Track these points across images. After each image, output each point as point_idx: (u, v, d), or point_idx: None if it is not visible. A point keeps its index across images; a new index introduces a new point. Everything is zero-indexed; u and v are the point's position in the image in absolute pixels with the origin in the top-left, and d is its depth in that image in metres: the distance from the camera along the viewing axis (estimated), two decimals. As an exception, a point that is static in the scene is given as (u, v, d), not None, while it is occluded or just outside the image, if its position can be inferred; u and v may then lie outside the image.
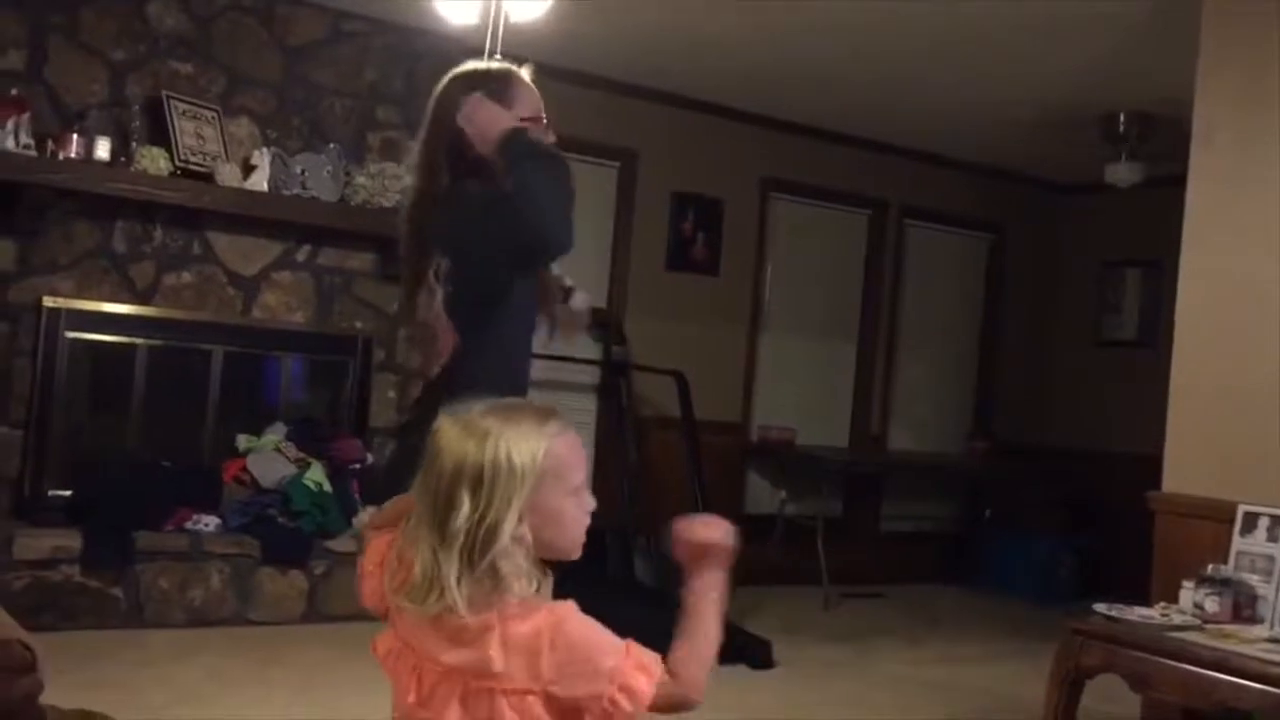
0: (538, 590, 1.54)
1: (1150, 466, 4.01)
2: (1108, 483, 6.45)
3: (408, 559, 1.51)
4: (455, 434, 1.50)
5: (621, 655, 1.50)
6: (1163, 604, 3.46)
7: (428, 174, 2.39)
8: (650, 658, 1.52)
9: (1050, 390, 7.61)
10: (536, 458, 1.49)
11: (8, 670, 2.18)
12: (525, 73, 2.51)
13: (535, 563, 1.52)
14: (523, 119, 2.37)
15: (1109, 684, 3.38)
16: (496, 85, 2.43)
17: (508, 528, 1.47)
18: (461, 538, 1.46)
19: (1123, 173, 5.96)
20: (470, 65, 2.51)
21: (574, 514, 1.56)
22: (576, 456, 1.55)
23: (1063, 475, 7.05)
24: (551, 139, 2.45)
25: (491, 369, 2.28)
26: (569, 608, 1.52)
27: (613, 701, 1.46)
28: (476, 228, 2.26)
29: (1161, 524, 3.84)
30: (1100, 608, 3.40)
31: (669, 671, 1.52)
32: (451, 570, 1.46)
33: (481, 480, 1.47)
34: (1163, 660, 3.13)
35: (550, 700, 1.47)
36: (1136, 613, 3.36)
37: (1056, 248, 7.67)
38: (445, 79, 2.46)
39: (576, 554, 1.60)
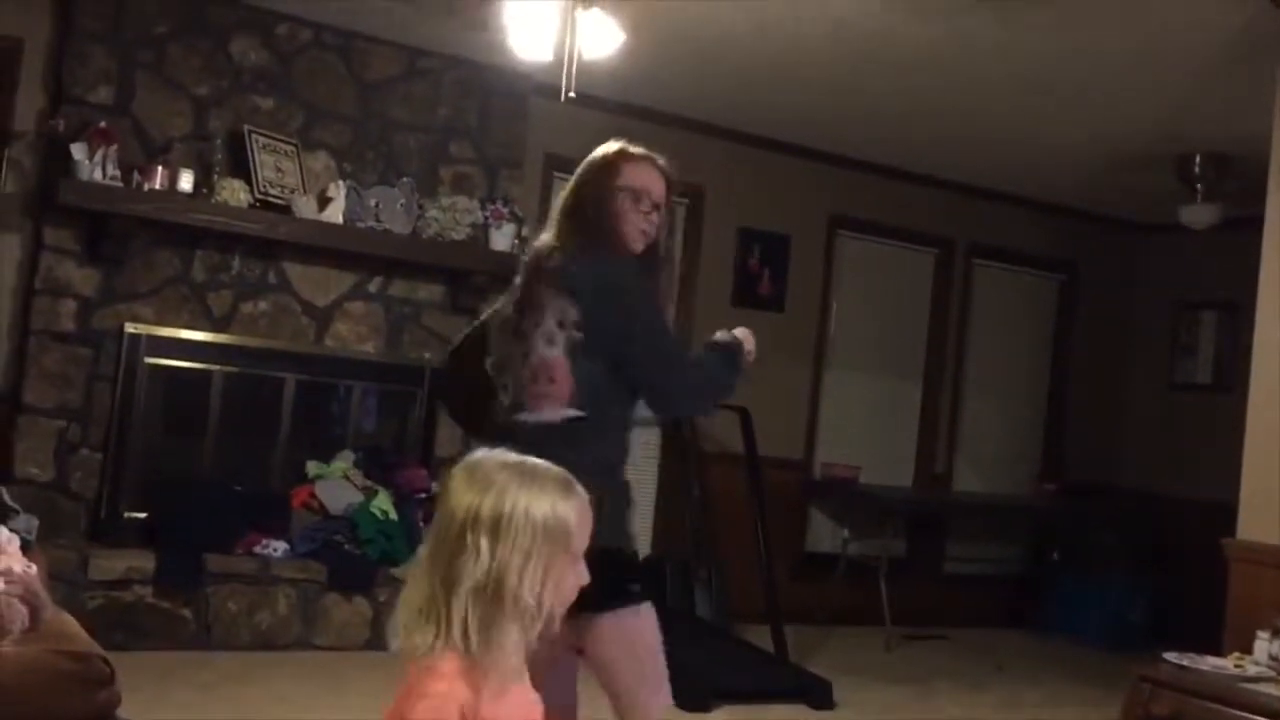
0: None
1: (1223, 513, 3.93)
2: (1179, 528, 6.32)
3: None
4: (469, 480, 1.51)
5: None
6: (1236, 654, 3.38)
7: (563, 234, 2.56)
8: None
9: (1121, 433, 7.48)
10: (558, 518, 1.49)
11: (88, 683, 2.25)
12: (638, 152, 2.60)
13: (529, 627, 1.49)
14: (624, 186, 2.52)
15: (1179, 735, 3.30)
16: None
17: (521, 581, 1.46)
18: (469, 582, 1.45)
19: (1198, 214, 5.87)
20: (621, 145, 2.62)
21: (571, 583, 1.54)
22: (585, 522, 1.55)
23: (1133, 519, 6.91)
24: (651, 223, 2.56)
25: (605, 450, 2.45)
26: (445, 697, 1.44)
27: None
28: (627, 325, 2.45)
29: (1236, 572, 3.75)
30: (1171, 656, 3.33)
31: None
32: (458, 611, 1.44)
33: (498, 530, 1.46)
34: (1236, 712, 3.05)
35: None
36: (1209, 662, 3.29)
37: (1129, 289, 7.55)
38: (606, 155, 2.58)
39: (556, 628, 1.56)
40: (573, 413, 2.42)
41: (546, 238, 2.58)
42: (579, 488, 1.56)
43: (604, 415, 2.44)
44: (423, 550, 1.52)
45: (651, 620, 2.48)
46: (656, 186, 2.55)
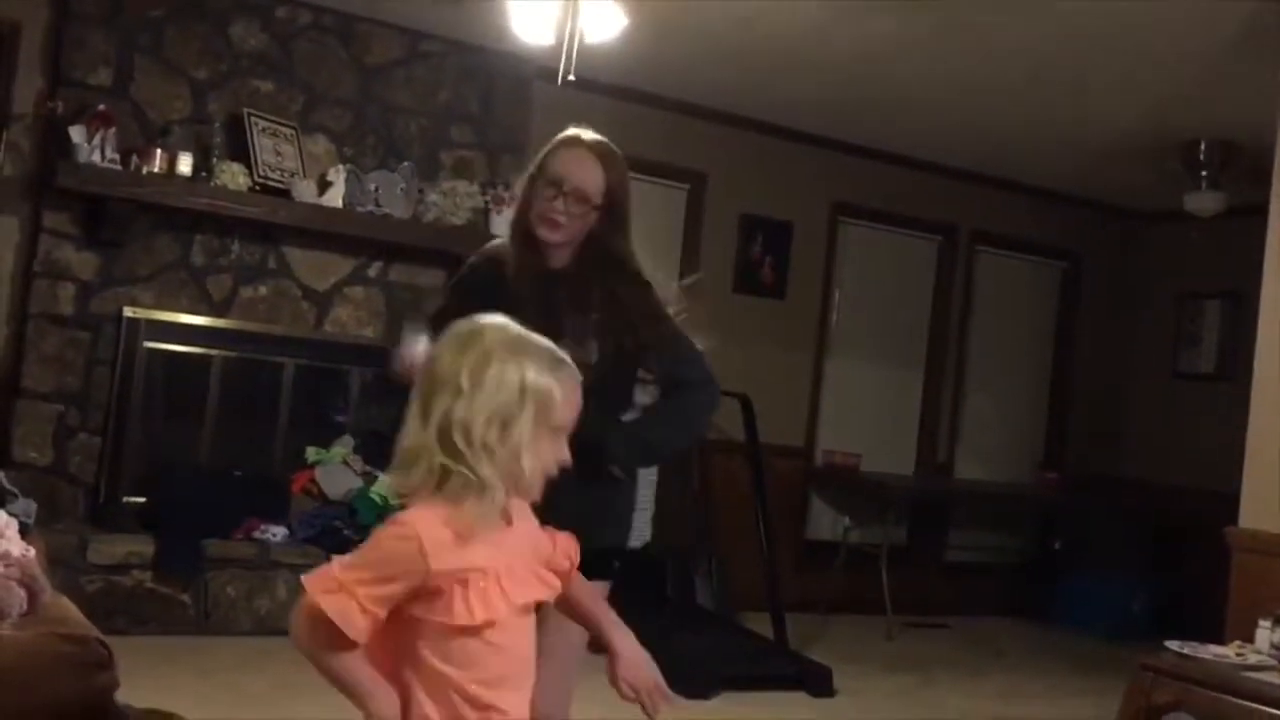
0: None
1: (1227, 502, 3.92)
2: (1182, 518, 6.31)
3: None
4: (461, 339, 1.62)
5: (337, 566, 1.55)
6: (1238, 643, 3.37)
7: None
8: (340, 581, 1.53)
9: (1124, 422, 7.46)
10: (537, 384, 1.58)
11: (87, 666, 2.24)
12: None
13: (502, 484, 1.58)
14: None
15: (1181, 724, 3.29)
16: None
17: (489, 430, 1.55)
18: (440, 418, 1.56)
19: (1203, 201, 5.84)
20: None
21: (549, 451, 1.62)
22: (570, 400, 1.63)
23: (1136, 509, 6.89)
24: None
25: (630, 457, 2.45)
26: (414, 523, 1.55)
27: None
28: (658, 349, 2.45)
29: (1238, 561, 3.74)
30: (1173, 645, 3.32)
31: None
32: (434, 453, 1.56)
33: (477, 383, 1.56)
34: (1238, 701, 3.04)
35: None
36: (1211, 651, 3.28)
37: (1133, 277, 7.53)
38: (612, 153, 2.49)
39: (535, 494, 1.65)
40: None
41: None
42: (568, 365, 1.64)
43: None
44: (413, 396, 1.61)
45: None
46: (578, 175, 2.41)
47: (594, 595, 1.86)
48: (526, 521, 1.70)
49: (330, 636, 1.53)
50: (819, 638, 5.64)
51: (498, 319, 1.65)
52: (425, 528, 1.54)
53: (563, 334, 2.38)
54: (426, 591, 1.54)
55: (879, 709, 4.71)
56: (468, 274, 2.62)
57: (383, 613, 1.53)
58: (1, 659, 2.17)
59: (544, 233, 2.43)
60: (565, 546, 1.78)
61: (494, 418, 1.56)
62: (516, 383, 1.57)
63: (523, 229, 2.48)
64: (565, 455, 1.64)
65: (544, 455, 1.61)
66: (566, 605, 1.84)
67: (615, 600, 2.45)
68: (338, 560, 1.55)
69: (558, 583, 1.73)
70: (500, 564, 1.60)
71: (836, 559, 6.31)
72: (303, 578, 1.56)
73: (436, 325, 2.12)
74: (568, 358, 1.65)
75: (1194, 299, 7.14)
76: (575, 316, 2.40)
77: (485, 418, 1.55)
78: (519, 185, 2.53)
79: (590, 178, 2.42)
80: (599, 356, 2.38)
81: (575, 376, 1.65)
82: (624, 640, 1.81)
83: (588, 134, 2.48)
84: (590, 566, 1.88)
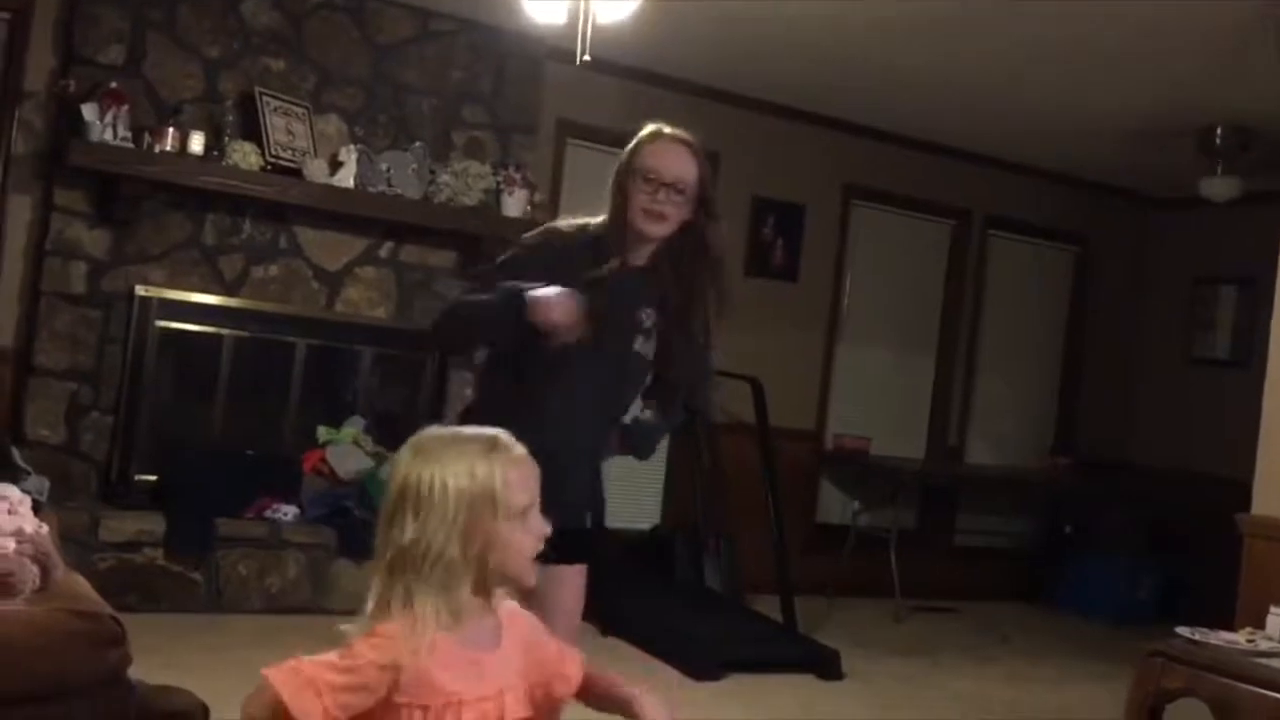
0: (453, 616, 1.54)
1: (1238, 489, 3.91)
2: (1194, 504, 6.29)
3: None
4: (407, 455, 1.58)
5: (309, 663, 1.55)
6: (1249, 629, 3.36)
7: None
8: (310, 679, 1.53)
9: (1137, 408, 7.44)
10: (472, 482, 1.53)
11: (100, 642, 2.25)
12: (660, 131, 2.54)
13: (475, 591, 1.56)
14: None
15: (1188, 710, 3.29)
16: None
17: (447, 546, 1.52)
18: (390, 553, 1.53)
19: (1219, 187, 5.81)
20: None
21: (516, 539, 1.57)
22: (518, 481, 1.57)
23: (1147, 495, 6.87)
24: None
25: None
26: (392, 638, 1.53)
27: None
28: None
29: (1250, 548, 3.73)
30: (1183, 631, 3.31)
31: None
32: (375, 583, 1.54)
33: (420, 502, 1.53)
34: (1249, 687, 3.03)
35: None
36: (1221, 637, 3.27)
37: (1146, 262, 7.49)
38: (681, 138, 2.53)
39: (529, 580, 1.62)
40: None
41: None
42: (504, 447, 1.59)
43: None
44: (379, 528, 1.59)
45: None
46: (675, 167, 2.44)
47: (611, 678, 1.78)
48: (518, 637, 1.65)
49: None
50: (828, 621, 5.64)
51: (438, 428, 1.63)
52: (401, 645, 1.51)
53: (638, 328, 2.45)
54: (390, 707, 1.53)
55: (887, 692, 4.72)
56: (525, 255, 2.53)
57: (344, 718, 1.52)
58: (15, 634, 2.18)
59: (649, 227, 2.45)
60: (568, 664, 1.72)
61: (445, 530, 1.52)
62: (455, 488, 1.53)
63: (620, 225, 2.47)
64: (540, 529, 1.60)
65: (515, 543, 1.57)
66: (587, 697, 1.77)
67: (592, 579, 2.48)
68: (310, 658, 1.55)
69: (556, 701, 1.69)
70: (471, 693, 1.56)
71: (846, 542, 6.31)
72: (265, 671, 1.54)
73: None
74: (500, 437, 1.61)
75: (1209, 284, 7.10)
76: (647, 313, 2.46)
77: (439, 534, 1.52)
78: (611, 186, 2.50)
79: (685, 169, 2.46)
80: (653, 357, 2.48)
81: (514, 452, 1.59)
82: (655, 710, 1.72)
83: (668, 128, 2.51)
84: (574, 548, 1.91)
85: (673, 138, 2.49)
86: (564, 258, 2.44)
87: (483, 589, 1.58)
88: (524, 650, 1.65)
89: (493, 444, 1.58)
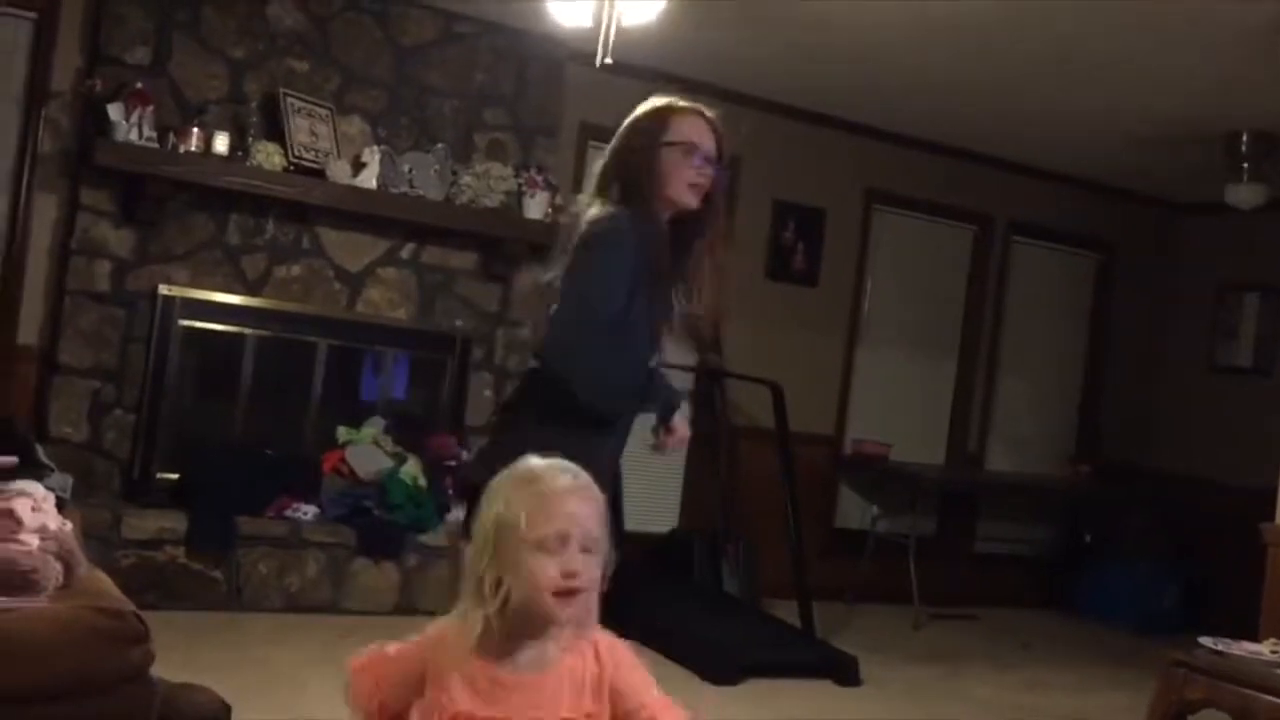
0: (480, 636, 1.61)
1: (1262, 498, 3.88)
2: (1216, 513, 6.24)
3: None
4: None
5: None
6: (1272, 640, 3.34)
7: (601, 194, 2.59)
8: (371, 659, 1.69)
9: (1159, 416, 7.39)
10: (504, 509, 1.59)
11: (123, 640, 2.26)
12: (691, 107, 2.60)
13: (500, 617, 1.59)
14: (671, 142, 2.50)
15: (1211, 720, 3.27)
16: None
17: (479, 572, 1.60)
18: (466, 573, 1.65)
19: (1244, 194, 5.76)
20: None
21: (536, 568, 1.57)
22: (549, 510, 1.58)
23: (1168, 503, 6.83)
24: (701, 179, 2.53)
25: (565, 400, 2.40)
26: (436, 634, 1.67)
27: None
28: (571, 271, 2.52)
29: (1274, 557, 3.70)
30: (1205, 641, 3.29)
31: None
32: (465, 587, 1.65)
33: (478, 526, 1.64)
34: (1272, 699, 3.01)
35: None
36: (1244, 647, 3.25)
37: (1170, 269, 7.44)
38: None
39: (551, 613, 1.59)
40: (531, 364, 2.52)
41: (584, 201, 2.56)
42: (546, 478, 1.61)
43: (572, 364, 2.42)
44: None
45: None
46: (707, 139, 2.52)
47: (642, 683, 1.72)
48: (580, 668, 1.64)
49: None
50: (846, 626, 5.63)
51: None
52: (439, 646, 1.63)
53: (676, 296, 2.53)
54: (415, 705, 1.62)
55: (905, 699, 4.70)
56: (629, 239, 2.49)
57: (389, 699, 1.64)
58: (39, 631, 2.20)
59: (691, 199, 2.51)
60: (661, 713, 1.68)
61: (482, 556, 1.60)
62: (489, 519, 1.61)
63: (657, 198, 2.50)
64: (569, 565, 1.58)
65: (534, 573, 1.57)
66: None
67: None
68: (386, 646, 1.69)
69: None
70: (481, 712, 1.59)
71: (865, 548, 6.29)
72: (351, 661, 1.71)
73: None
74: (550, 468, 1.64)
75: (1232, 292, 7.05)
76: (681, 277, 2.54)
77: (477, 558, 1.61)
78: (646, 156, 2.52)
79: (713, 140, 2.55)
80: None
81: (552, 485, 1.61)
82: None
83: (683, 100, 2.59)
84: None
85: (696, 109, 2.58)
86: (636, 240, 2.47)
87: (511, 615, 1.59)
88: (582, 683, 1.64)
89: (529, 477, 1.63)
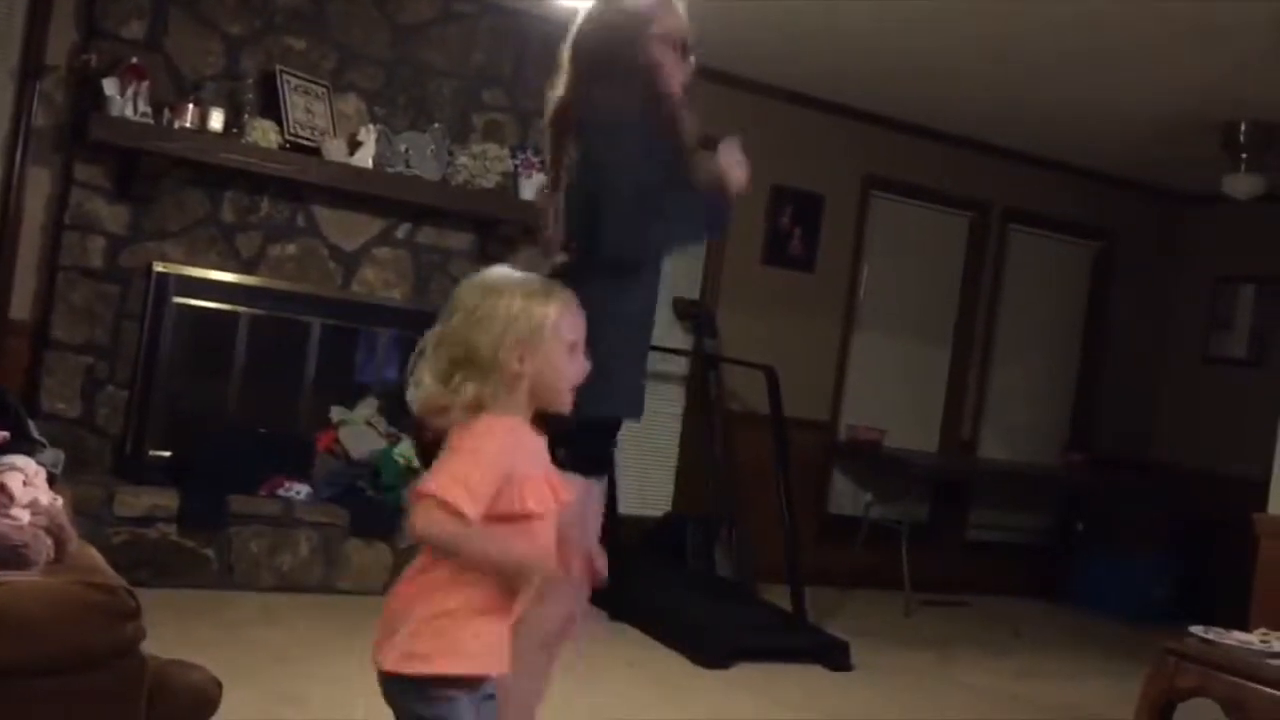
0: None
1: (1254, 489, 3.88)
2: (1209, 503, 6.27)
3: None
4: (473, 284, 1.88)
5: (450, 481, 1.74)
6: (1263, 630, 3.35)
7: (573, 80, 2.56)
8: (457, 498, 1.73)
9: (1153, 405, 7.40)
10: (530, 308, 1.83)
11: (115, 615, 2.25)
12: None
13: (521, 401, 1.84)
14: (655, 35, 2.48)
15: (1200, 709, 3.28)
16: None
17: (506, 362, 1.80)
18: (449, 357, 1.82)
19: (1242, 184, 5.76)
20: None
21: (568, 366, 1.87)
22: (572, 320, 1.87)
23: (1161, 493, 6.85)
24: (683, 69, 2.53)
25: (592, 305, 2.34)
26: (500, 428, 1.80)
27: (415, 497, 1.75)
28: (607, 148, 2.42)
29: (1266, 548, 3.71)
30: (1197, 630, 3.30)
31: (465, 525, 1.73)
32: (432, 388, 1.83)
33: (484, 321, 1.81)
34: (1261, 688, 3.02)
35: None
36: (1235, 637, 3.26)
37: (1166, 259, 7.45)
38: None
39: (566, 404, 1.88)
40: (558, 259, 2.43)
41: (563, 92, 2.53)
42: (559, 291, 1.88)
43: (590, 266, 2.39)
44: (432, 336, 1.87)
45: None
46: (687, 28, 2.56)
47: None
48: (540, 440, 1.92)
49: (454, 522, 1.72)
50: (838, 612, 5.64)
51: (492, 270, 1.91)
52: (504, 430, 1.80)
53: None
54: (505, 484, 1.77)
55: (896, 685, 4.71)
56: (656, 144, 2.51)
57: (486, 501, 1.74)
58: (30, 606, 2.19)
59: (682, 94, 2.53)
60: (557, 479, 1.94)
61: (512, 344, 1.80)
62: (515, 314, 1.81)
63: (659, 95, 2.51)
64: (584, 367, 1.87)
65: (564, 370, 1.86)
66: None
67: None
68: (439, 472, 1.75)
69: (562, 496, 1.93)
70: (540, 469, 1.86)
71: (858, 534, 6.30)
72: (417, 489, 1.75)
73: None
74: (539, 279, 1.90)
75: (1228, 283, 7.06)
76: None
77: (507, 344, 1.80)
78: (653, 52, 2.51)
79: (687, 21, 2.57)
80: None
81: (564, 296, 1.88)
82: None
83: None
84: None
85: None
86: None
87: (531, 403, 1.85)
88: (543, 449, 1.91)
89: (550, 287, 1.88)
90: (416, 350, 1.88)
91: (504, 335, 1.80)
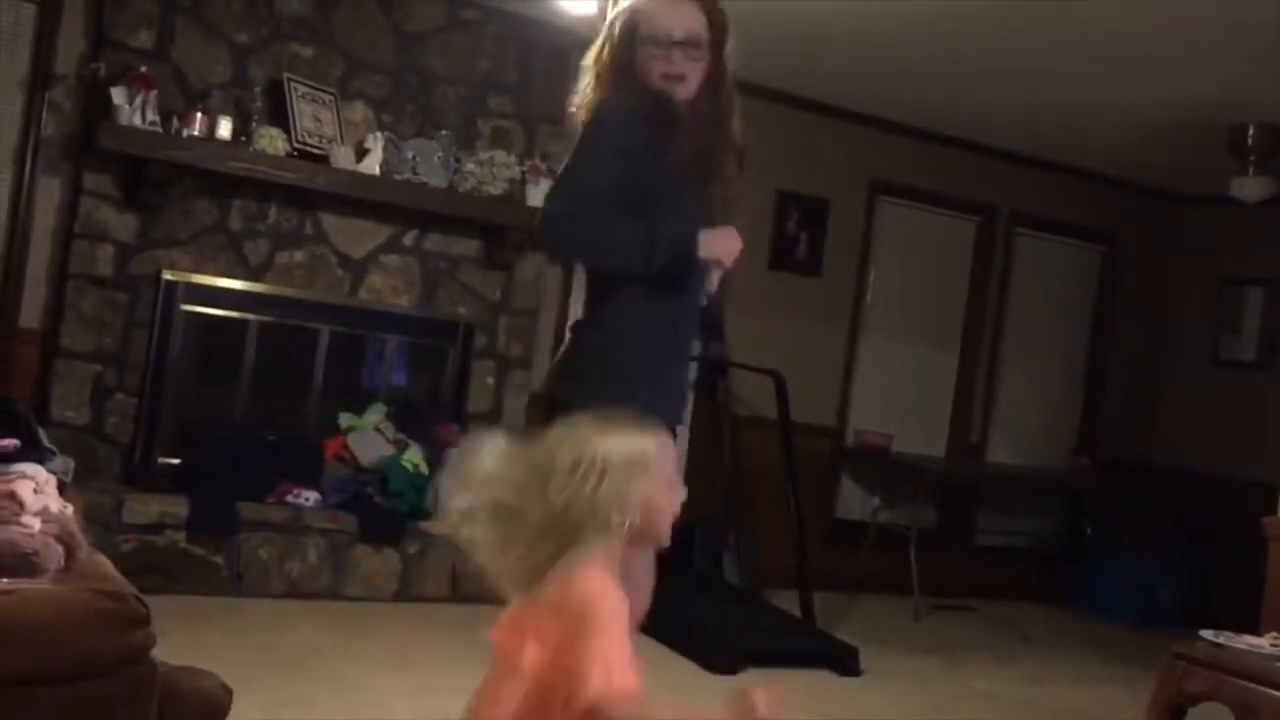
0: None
1: (1263, 492, 3.87)
2: (1217, 506, 6.24)
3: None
4: (564, 436, 1.77)
5: (605, 673, 1.65)
6: (1274, 634, 3.33)
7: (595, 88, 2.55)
8: (625, 693, 1.66)
9: (1160, 409, 7.38)
10: (640, 453, 1.76)
11: (125, 622, 2.26)
12: None
13: (615, 549, 1.76)
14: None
15: (1210, 714, 3.27)
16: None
17: (610, 513, 1.71)
18: (549, 517, 1.72)
19: (1250, 187, 5.74)
20: None
21: (669, 504, 1.80)
22: (667, 454, 1.81)
23: (1170, 496, 6.83)
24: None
25: (598, 352, 2.34)
26: (610, 593, 1.69)
27: (568, 698, 1.63)
28: (579, 144, 2.50)
29: (1276, 551, 3.70)
30: (1206, 634, 3.29)
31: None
32: (529, 549, 1.73)
33: (591, 471, 1.72)
34: (1273, 692, 3.01)
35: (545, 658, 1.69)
36: (1245, 641, 3.25)
37: (1173, 262, 7.43)
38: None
39: (666, 540, 1.82)
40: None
41: (581, 96, 2.56)
42: (651, 425, 1.80)
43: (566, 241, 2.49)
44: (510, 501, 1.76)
45: None
46: (678, 25, 2.45)
47: None
48: None
49: (636, 702, 1.72)
50: (846, 617, 5.63)
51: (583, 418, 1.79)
52: (619, 602, 1.71)
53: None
54: None
55: (904, 689, 4.70)
56: (628, 143, 2.45)
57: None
58: (40, 613, 2.19)
59: (677, 89, 2.45)
60: None
61: (613, 497, 1.72)
62: (618, 457, 1.74)
63: (652, 96, 2.45)
64: (683, 495, 1.80)
65: (665, 505, 1.79)
66: None
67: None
68: (590, 671, 1.66)
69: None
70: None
71: (866, 539, 6.29)
72: (594, 697, 1.66)
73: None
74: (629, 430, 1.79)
75: (1235, 285, 7.04)
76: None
77: (606, 497, 1.72)
78: (619, 47, 2.49)
79: (692, 22, 2.46)
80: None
81: (658, 430, 1.81)
82: None
83: None
84: None
85: None
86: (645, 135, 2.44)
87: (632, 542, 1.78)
88: None
89: (641, 424, 1.81)
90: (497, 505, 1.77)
91: (607, 491, 1.73)
